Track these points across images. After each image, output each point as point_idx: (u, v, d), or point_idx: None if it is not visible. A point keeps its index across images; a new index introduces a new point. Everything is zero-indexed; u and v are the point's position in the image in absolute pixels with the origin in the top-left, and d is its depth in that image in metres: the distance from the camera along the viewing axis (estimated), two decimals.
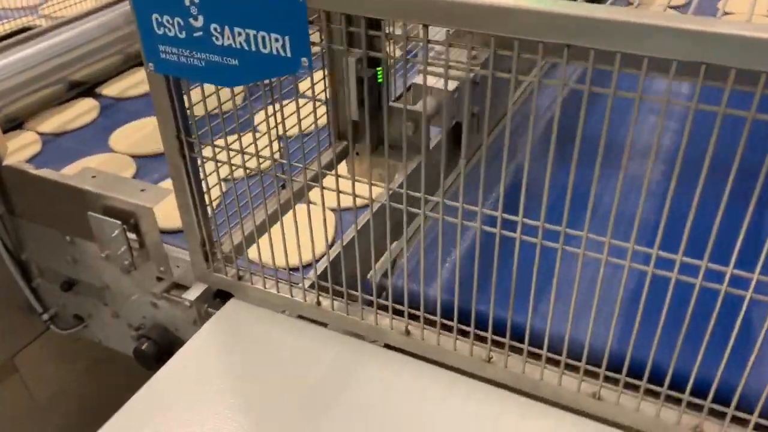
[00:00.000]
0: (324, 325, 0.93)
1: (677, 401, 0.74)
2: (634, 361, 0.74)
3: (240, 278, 0.94)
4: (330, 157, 1.15)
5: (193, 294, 1.18)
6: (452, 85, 1.22)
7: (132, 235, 1.20)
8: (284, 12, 0.70)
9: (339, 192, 0.81)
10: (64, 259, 1.33)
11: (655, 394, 0.75)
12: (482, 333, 0.80)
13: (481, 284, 0.78)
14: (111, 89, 1.71)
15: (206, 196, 0.91)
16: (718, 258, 0.65)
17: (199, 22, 0.75)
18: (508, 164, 1.18)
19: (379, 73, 1.10)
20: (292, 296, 0.91)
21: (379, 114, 1.12)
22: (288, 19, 0.70)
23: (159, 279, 1.26)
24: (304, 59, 0.72)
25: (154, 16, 0.77)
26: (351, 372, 0.86)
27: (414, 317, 0.85)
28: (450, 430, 0.79)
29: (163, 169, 1.47)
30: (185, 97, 0.84)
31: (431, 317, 0.82)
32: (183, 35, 0.77)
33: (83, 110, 1.64)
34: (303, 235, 0.85)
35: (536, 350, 0.78)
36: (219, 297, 1.23)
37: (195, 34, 0.76)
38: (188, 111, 0.85)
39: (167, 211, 1.15)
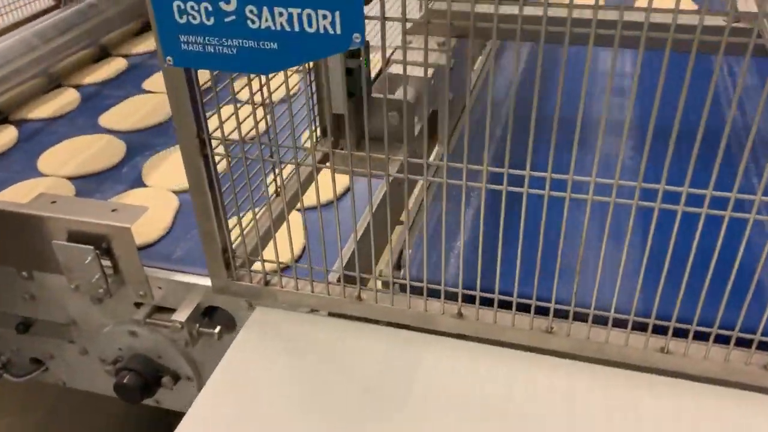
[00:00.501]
0: (362, 319, 0.89)
1: (745, 345, 0.76)
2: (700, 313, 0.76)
3: (267, 283, 0.88)
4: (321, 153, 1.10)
5: (183, 314, 1.10)
6: (429, 72, 1.22)
7: (105, 261, 1.11)
8: None
9: (370, 169, 0.78)
10: (20, 298, 1.21)
11: (723, 341, 0.77)
12: (544, 304, 0.79)
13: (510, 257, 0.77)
14: (31, 113, 1.57)
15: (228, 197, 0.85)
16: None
17: (232, 6, 0.70)
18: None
19: (365, 61, 1.07)
20: (329, 294, 0.86)
21: (362, 106, 1.09)
22: None
23: (137, 305, 1.16)
24: (356, 35, 0.69)
25: (176, 3, 0.71)
26: (409, 363, 0.82)
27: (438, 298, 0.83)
28: (527, 406, 0.77)
29: (106, 191, 1.37)
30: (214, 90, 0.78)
31: (489, 295, 0.81)
32: (211, 21, 0.71)
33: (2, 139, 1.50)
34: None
35: (602, 313, 0.78)
36: (205, 315, 1.16)
37: (226, 19, 0.71)
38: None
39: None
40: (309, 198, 1.09)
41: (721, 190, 0.66)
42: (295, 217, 0.84)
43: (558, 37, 0.63)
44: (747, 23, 1.03)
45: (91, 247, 1.08)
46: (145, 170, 1.42)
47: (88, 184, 1.39)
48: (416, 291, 0.84)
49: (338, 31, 0.69)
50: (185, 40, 0.73)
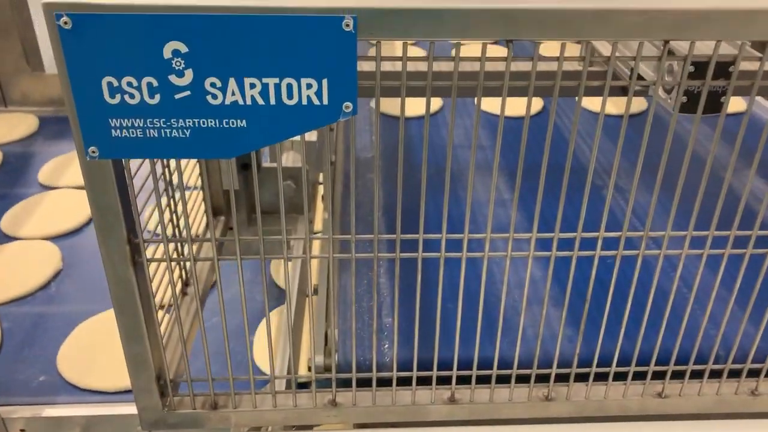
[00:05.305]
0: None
1: (734, 375, 0.77)
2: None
3: (215, 405, 0.72)
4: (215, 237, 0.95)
5: None
6: (313, 135, 1.16)
7: None
8: (323, 48, 0.55)
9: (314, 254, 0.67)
10: None
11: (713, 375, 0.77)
12: (545, 371, 0.74)
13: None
14: None
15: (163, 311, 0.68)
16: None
17: (187, 79, 0.55)
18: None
19: None
20: (296, 405, 0.73)
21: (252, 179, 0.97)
22: (328, 56, 0.55)
23: None
24: (347, 104, 0.58)
25: (107, 80, 0.55)
26: None
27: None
28: None
29: None
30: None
31: (487, 372, 0.73)
32: (156, 100, 0.56)
33: None
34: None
35: (602, 369, 0.74)
36: None
37: (178, 96, 0.56)
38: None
39: None
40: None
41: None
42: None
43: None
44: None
45: None
46: None
47: None
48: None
49: (325, 102, 0.57)
50: (117, 124, 0.57)
